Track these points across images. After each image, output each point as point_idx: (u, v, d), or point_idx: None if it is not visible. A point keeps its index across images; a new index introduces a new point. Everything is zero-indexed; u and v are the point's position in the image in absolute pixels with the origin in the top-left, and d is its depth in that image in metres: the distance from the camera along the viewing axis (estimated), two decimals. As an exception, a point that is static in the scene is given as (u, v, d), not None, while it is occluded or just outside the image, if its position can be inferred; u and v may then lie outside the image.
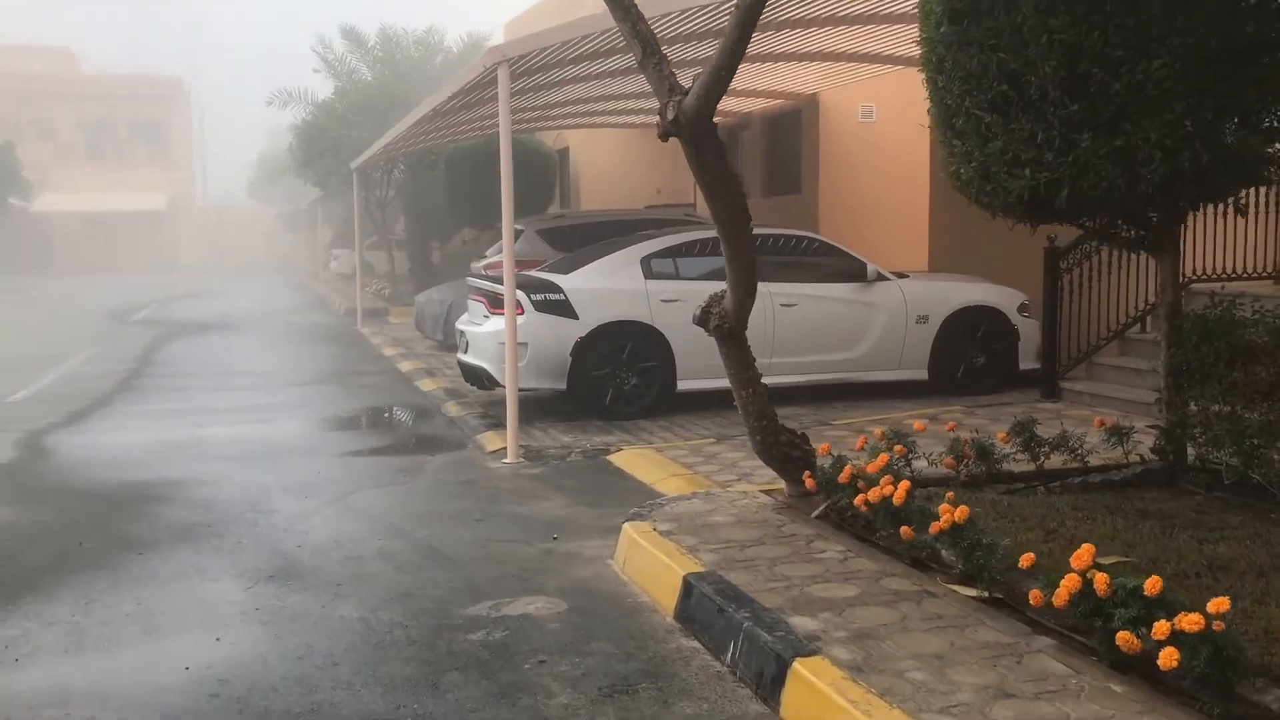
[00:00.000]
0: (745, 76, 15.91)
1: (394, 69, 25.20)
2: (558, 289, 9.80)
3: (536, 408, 10.36)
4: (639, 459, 8.06)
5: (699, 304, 6.15)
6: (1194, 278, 9.47)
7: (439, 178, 24.63)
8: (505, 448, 8.77)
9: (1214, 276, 9.42)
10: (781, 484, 6.58)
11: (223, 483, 7.96)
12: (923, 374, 10.59)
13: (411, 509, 7.08)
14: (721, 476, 7.31)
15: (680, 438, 8.93)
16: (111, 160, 56.05)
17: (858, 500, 5.26)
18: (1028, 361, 10.82)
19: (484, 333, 9.99)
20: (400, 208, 27.04)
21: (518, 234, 13.35)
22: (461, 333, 10.60)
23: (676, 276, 10.18)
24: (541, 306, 9.71)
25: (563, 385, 9.78)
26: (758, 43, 12.52)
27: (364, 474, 8.23)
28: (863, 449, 6.35)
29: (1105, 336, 9.44)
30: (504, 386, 9.75)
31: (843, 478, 5.47)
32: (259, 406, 11.70)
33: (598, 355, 9.77)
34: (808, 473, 5.94)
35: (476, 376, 10.34)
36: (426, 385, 12.71)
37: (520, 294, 9.74)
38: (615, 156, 24.77)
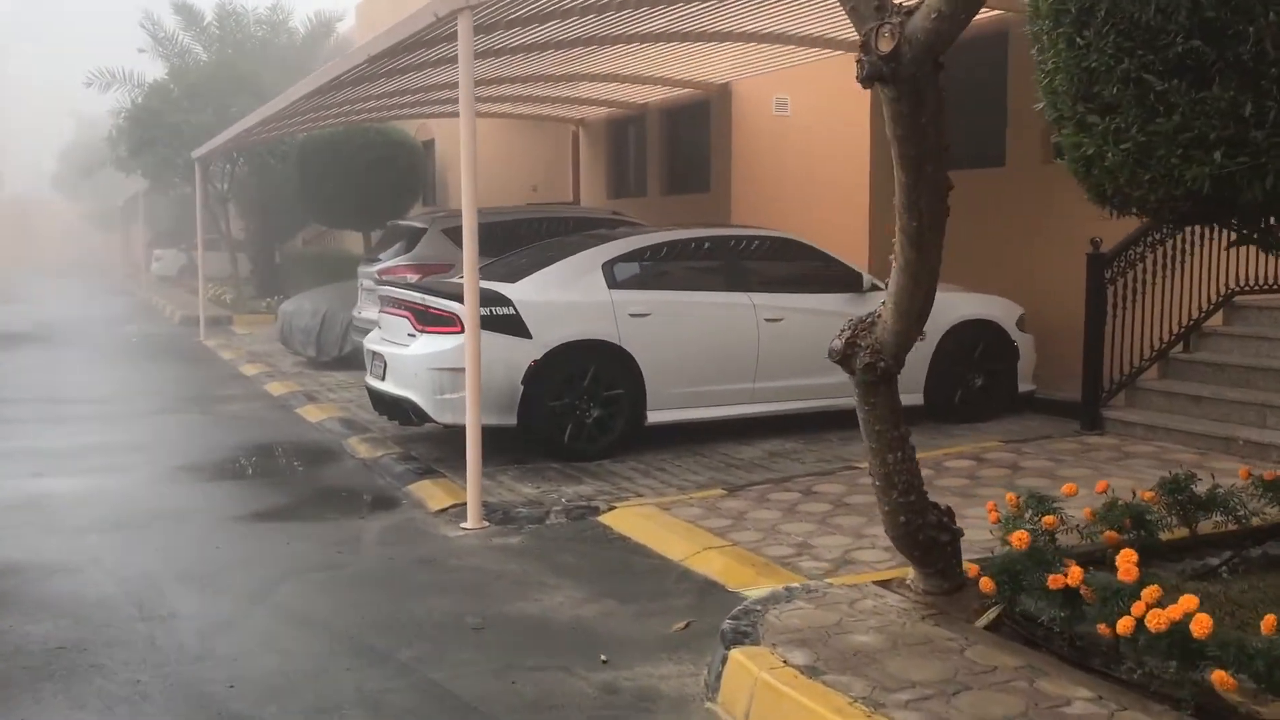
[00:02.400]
0: (645, 61, 14.28)
1: (237, 49, 22.53)
2: (505, 301, 7.94)
3: (464, 445, 8.44)
4: (643, 521, 6.31)
5: (840, 334, 4.42)
6: (1238, 289, 8.32)
7: (286, 172, 22.13)
8: (455, 505, 6.88)
9: (1264, 287, 8.28)
10: (881, 562, 4.97)
11: (88, 569, 5.82)
12: (918, 398, 9.14)
13: (374, 611, 5.13)
14: (776, 550, 5.62)
15: (673, 487, 7.21)
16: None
17: (1103, 629, 3.65)
18: (1025, 383, 9.55)
19: (411, 355, 8.02)
20: (241, 205, 24.34)
21: (419, 233, 11.38)
22: (375, 354, 8.59)
23: (645, 285, 8.44)
24: (486, 323, 7.82)
25: (512, 420, 7.92)
26: (661, 18, 10.92)
27: (283, 551, 6.21)
28: (997, 522, 4.76)
29: (1147, 358, 8.17)
30: (437, 423, 7.90)
31: (1053, 583, 3.86)
32: (108, 447, 9.38)
33: (555, 382, 7.96)
34: (973, 567, 4.31)
35: (398, 409, 8.36)
36: (312, 414, 10.59)
37: (455, 307, 7.86)
38: (488, 150, 22.70)
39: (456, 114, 18.75)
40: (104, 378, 13.89)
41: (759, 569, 5.33)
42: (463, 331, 7.74)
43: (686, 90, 16.71)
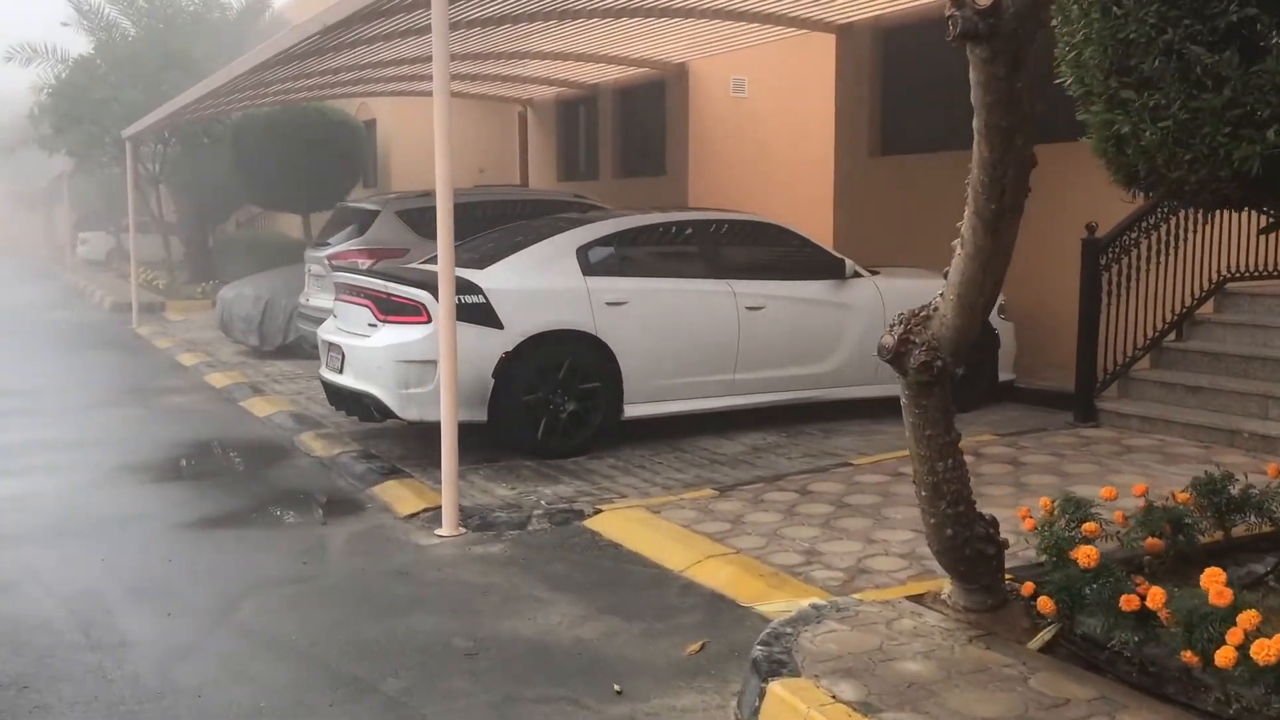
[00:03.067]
0: (598, 39, 13.79)
1: (167, 23, 21.55)
2: (475, 288, 7.45)
3: (428, 442, 7.95)
4: (634, 526, 5.88)
5: (889, 330, 4.00)
6: (1230, 275, 8.09)
7: (220, 152, 21.27)
8: (427, 510, 6.40)
9: (1255, 273, 8.06)
10: (898, 571, 4.60)
11: (25, 585, 5.26)
12: (894, 389, 8.80)
13: (351, 633, 4.64)
14: (783, 558, 5.23)
15: (657, 486, 6.80)
16: None
17: (1189, 658, 3.29)
18: (1006, 372, 9.28)
19: (372, 347, 7.50)
20: (172, 186, 23.38)
21: (371, 215, 10.81)
22: (331, 346, 8.04)
23: (622, 272, 8.00)
24: (455, 312, 7.32)
25: (483, 416, 7.44)
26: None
27: (242, 562, 5.68)
28: (1033, 529, 4.41)
29: (1140, 346, 7.91)
30: (401, 419, 7.41)
31: (1127, 605, 3.50)
32: (41, 444, 8.73)
33: (528, 375, 7.49)
34: (1028, 585, 3.94)
35: (358, 404, 7.83)
36: (259, 408, 10.00)
37: (421, 295, 7.37)
38: (430, 131, 22.04)
39: (404, 92, 18.26)
40: (33, 369, 13.12)
41: (769, 580, 4.94)
42: (429, 321, 7.29)
43: (642, 70, 16.24)
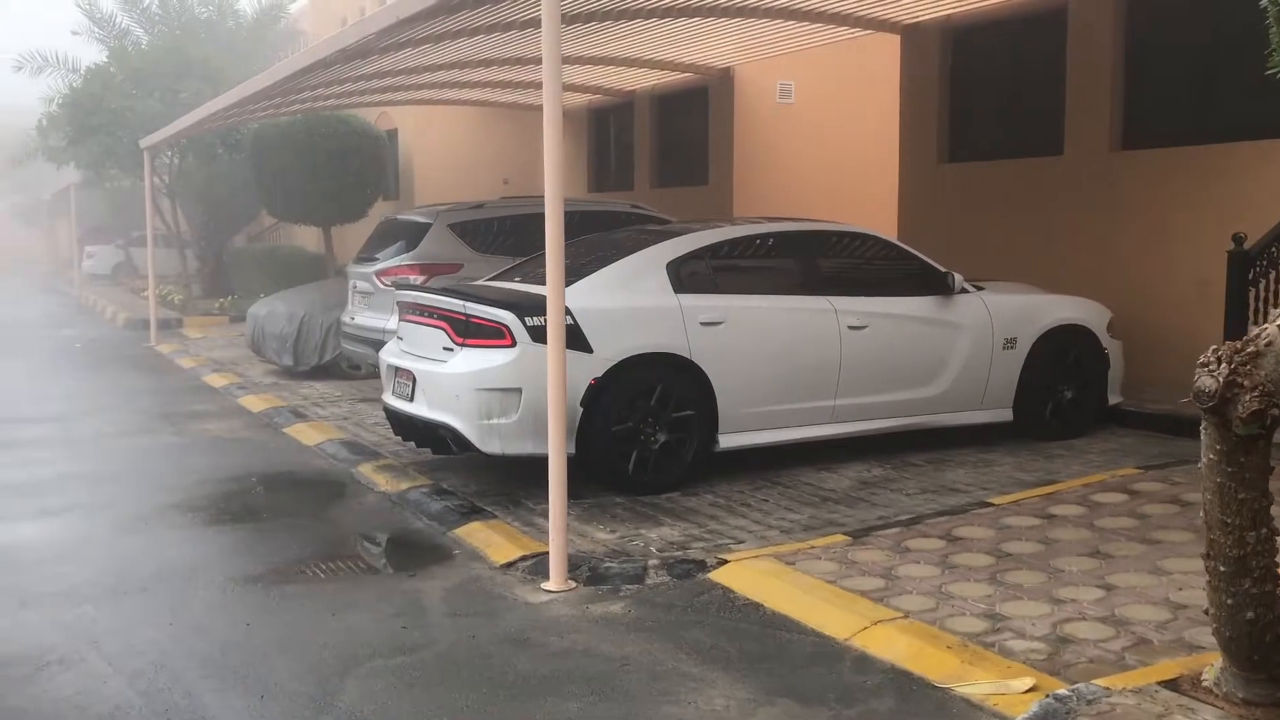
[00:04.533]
0: (639, 43, 13.12)
1: (185, 30, 20.88)
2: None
3: (505, 474, 7.28)
4: (771, 582, 5.17)
5: (1204, 368, 3.26)
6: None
7: (236, 163, 20.61)
8: (526, 558, 5.71)
9: None
10: (1107, 640, 3.90)
11: (88, 658, 4.55)
12: (1006, 414, 8.15)
13: (481, 724, 3.94)
14: (962, 624, 4.52)
15: (773, 529, 6.10)
16: None
17: None
18: (1114, 394, 8.60)
19: (451, 374, 6.80)
20: (185, 198, 22.68)
21: (422, 229, 10.12)
22: (400, 370, 7.34)
23: (716, 289, 7.31)
24: (540, 334, 6.61)
25: (570, 448, 6.70)
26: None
27: (330, 626, 4.96)
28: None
29: None
30: (482, 451, 6.72)
31: None
32: (75, 479, 8.03)
33: (618, 403, 6.80)
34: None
35: (431, 436, 7.14)
36: (307, 435, 9.30)
37: (504, 316, 6.69)
38: (454, 140, 21.43)
39: (433, 101, 17.50)
40: (53, 391, 12.42)
41: (959, 653, 4.24)
42: (513, 344, 6.63)
43: (682, 76, 15.59)
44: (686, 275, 7.21)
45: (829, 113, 15.68)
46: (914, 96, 12.27)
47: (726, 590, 5.17)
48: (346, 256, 21.71)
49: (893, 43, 12.63)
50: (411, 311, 7.46)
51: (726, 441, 7.16)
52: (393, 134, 21.57)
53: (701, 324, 7.04)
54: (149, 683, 4.30)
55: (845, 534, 5.87)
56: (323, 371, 12.32)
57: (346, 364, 12.28)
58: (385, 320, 9.83)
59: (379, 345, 9.84)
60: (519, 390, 6.61)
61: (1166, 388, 8.65)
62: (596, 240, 8.23)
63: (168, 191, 21.20)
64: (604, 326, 6.79)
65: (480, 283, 7.71)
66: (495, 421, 6.63)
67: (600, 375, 6.74)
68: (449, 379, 6.79)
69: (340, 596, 5.38)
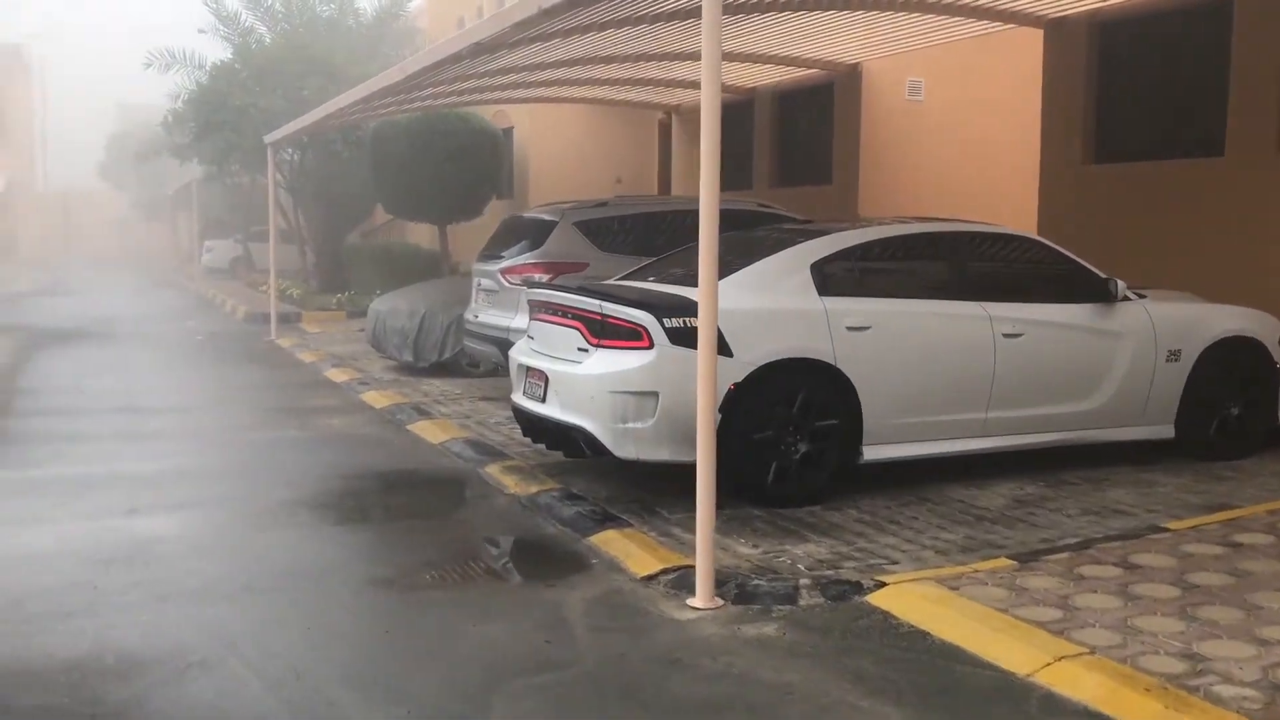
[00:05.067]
0: (764, 38, 12.74)
1: (308, 27, 21.16)
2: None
3: (636, 480, 7.01)
4: (937, 608, 4.81)
5: None
6: None
7: (353, 160, 20.80)
8: (668, 571, 5.44)
9: None
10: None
11: (227, 661, 4.40)
12: (1168, 431, 7.63)
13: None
14: (1157, 662, 4.12)
15: (926, 548, 5.73)
16: (-60, 136, 49.73)
17: None
18: (1282, 412, 8.01)
19: (585, 375, 6.57)
20: (302, 194, 22.99)
21: (548, 227, 9.93)
22: (532, 371, 7.13)
23: (863, 292, 6.95)
24: (678, 336, 6.37)
25: (708, 456, 6.45)
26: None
27: (470, 635, 4.75)
28: None
29: None
30: (616, 456, 6.47)
31: None
32: (203, 472, 8.01)
33: (758, 410, 6.48)
34: None
35: (563, 438, 6.91)
36: (431, 433, 9.17)
37: (642, 316, 6.42)
38: (568, 139, 21.33)
39: (550, 99, 17.38)
40: (178, 383, 12.57)
41: (1161, 697, 3.84)
42: (650, 346, 6.36)
43: (806, 72, 15.19)
44: (831, 277, 6.87)
45: (959, 111, 15.13)
46: (1057, 94, 11.70)
47: (887, 615, 4.82)
48: (461, 255, 21.82)
49: (1023, 38, 12.09)
50: (544, 310, 7.25)
51: (871, 454, 6.80)
52: (508, 132, 21.57)
53: (848, 329, 6.69)
54: (291, 691, 4.14)
55: (1009, 557, 5.48)
56: (442, 369, 12.25)
57: (466, 361, 12.19)
58: (510, 318, 9.67)
59: (503, 343, 9.71)
60: (655, 394, 6.35)
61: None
62: (732, 239, 7.88)
63: (287, 188, 21.50)
64: (745, 329, 6.48)
65: (614, 282, 7.47)
66: (630, 426, 6.37)
67: (740, 380, 6.43)
68: (583, 380, 6.56)
69: (478, 605, 5.17)
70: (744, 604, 5.04)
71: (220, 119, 19.09)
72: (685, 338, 6.36)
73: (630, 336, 6.44)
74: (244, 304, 22.23)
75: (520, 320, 9.55)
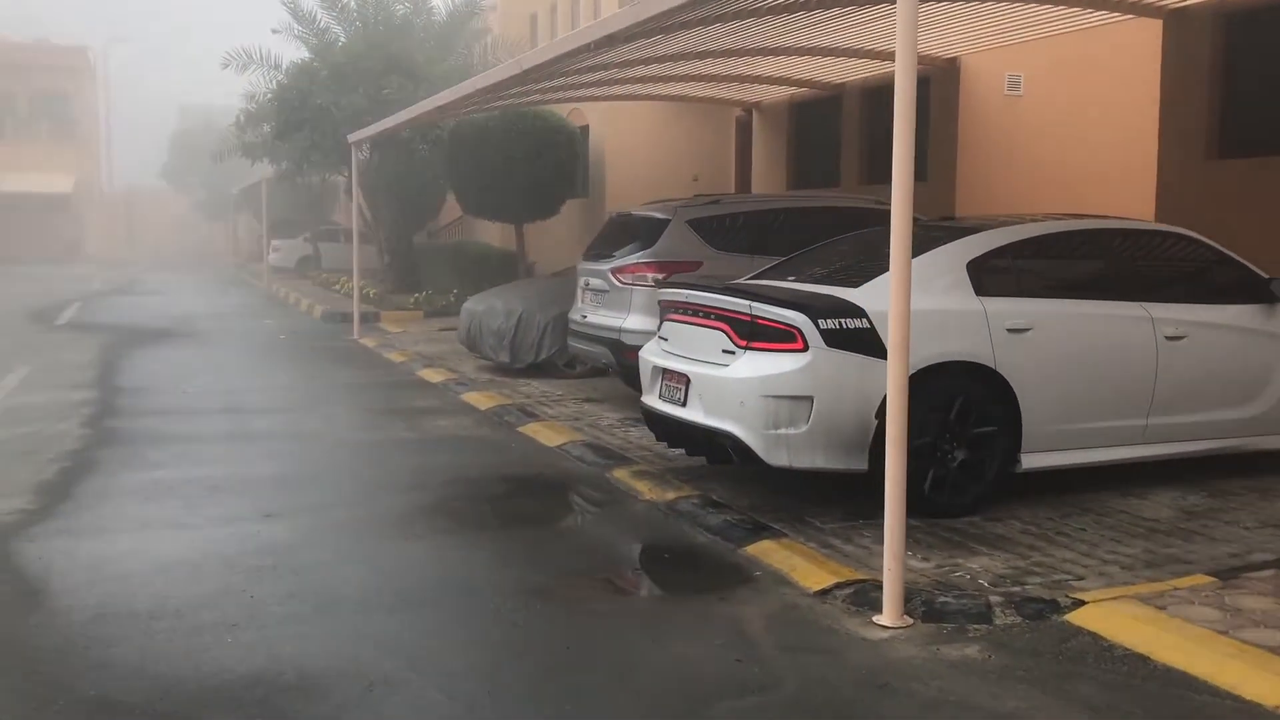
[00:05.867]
0: (857, 32, 12.37)
1: (387, 26, 21.10)
2: (856, 310, 6.21)
3: (778, 487, 6.75)
4: (1148, 628, 4.52)
5: None
6: None
7: (429, 159, 20.70)
8: (842, 585, 5.18)
9: None
10: None
11: (412, 682, 4.19)
12: (1288, 440, 7.26)
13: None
14: None
15: (1110, 563, 5.43)
16: (10, 138, 50.34)
17: None
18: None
19: (735, 379, 6.31)
20: (374, 193, 22.94)
21: (660, 225, 9.69)
22: (670, 373, 6.89)
23: (1021, 292, 6.64)
24: (834, 339, 6.11)
25: (863, 464, 6.19)
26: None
27: (656, 653, 4.51)
28: None
29: None
30: (767, 463, 6.21)
31: None
32: (323, 475, 7.87)
33: (916, 416, 6.14)
34: None
35: (707, 443, 6.67)
36: (545, 436, 8.97)
37: (795, 317, 6.16)
38: (644, 137, 21.08)
39: (631, 97, 17.09)
40: (274, 382, 12.48)
41: None
42: (805, 349, 6.10)
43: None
44: (988, 276, 6.56)
45: (1061, 106, 14.72)
46: (1178, 88, 11.28)
47: (1096, 637, 4.53)
48: (537, 254, 21.68)
49: (1124, 31, 11.68)
50: (681, 311, 7.01)
51: (1029, 461, 6.49)
52: (584, 130, 21.38)
53: (1007, 330, 6.39)
54: (488, 713, 3.92)
55: (1206, 574, 5.16)
56: (538, 370, 12.06)
57: (563, 362, 12.01)
58: (622, 318, 9.46)
59: (615, 345, 9.51)
60: (810, 398, 6.09)
61: None
62: (872, 237, 7.65)
63: (360, 186, 21.45)
64: (903, 331, 6.19)
65: (753, 281, 7.21)
66: (783, 432, 6.12)
67: (898, 385, 6.15)
68: (732, 384, 6.30)
69: (650, 618, 4.95)
70: (934, 622, 4.77)
71: (302, 117, 19.06)
72: (841, 339, 6.12)
73: (783, 339, 6.19)
74: (319, 303, 22.22)
75: (635, 320, 9.37)
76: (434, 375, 12.56)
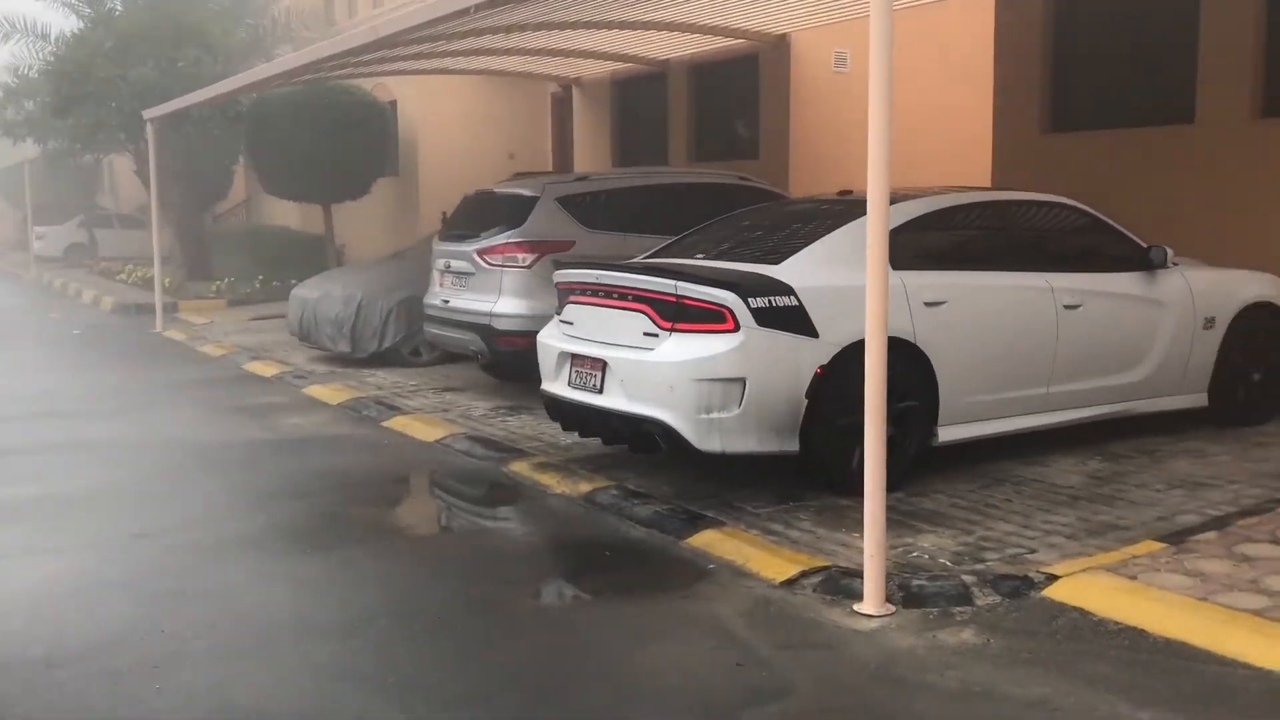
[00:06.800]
0: (688, 8, 12.27)
1: (166, -5, 19.58)
2: (784, 288, 6.03)
3: (692, 473, 6.54)
4: (1129, 599, 4.52)
5: None
6: None
7: (219, 137, 19.43)
8: (805, 573, 5.00)
9: None
10: None
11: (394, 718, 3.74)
12: (1202, 399, 7.61)
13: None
14: None
15: (1054, 533, 5.48)
16: None
17: None
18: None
19: (663, 363, 6.01)
20: (163, 173, 21.32)
21: (529, 203, 9.26)
22: (581, 359, 6.53)
23: (935, 265, 6.62)
24: (765, 318, 5.92)
25: (794, 446, 6.04)
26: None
27: (651, 663, 4.20)
28: None
29: None
30: (698, 450, 5.97)
31: None
32: (186, 487, 7.11)
33: (843, 394, 6.07)
34: None
35: (628, 432, 6.36)
36: (419, 430, 8.43)
37: (726, 297, 5.94)
38: (455, 113, 20.41)
39: (447, 70, 16.31)
40: (88, 382, 11.33)
41: None
42: (736, 329, 5.88)
43: (725, 43, 14.79)
44: (902, 249, 6.44)
45: (897, 82, 15.01)
46: (1011, 61, 11.64)
47: (1083, 612, 4.50)
48: (346, 237, 20.67)
49: (959, 8, 12.02)
50: (590, 293, 6.65)
51: (945, 435, 6.49)
52: (392, 106, 20.51)
53: (925, 304, 6.35)
54: (497, 749, 3.52)
55: (1154, 540, 5.24)
56: (381, 359, 11.42)
57: (408, 350, 11.42)
58: (492, 302, 9.00)
59: (485, 330, 9.06)
60: (742, 380, 5.88)
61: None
62: (774, 212, 7.52)
63: (148, 166, 19.92)
64: (829, 308, 6.07)
65: (668, 261, 6.89)
66: (715, 416, 5.89)
67: (827, 362, 6.03)
68: (659, 369, 6.01)
69: (627, 625, 4.61)
70: (917, 608, 4.64)
71: (85, 91, 17.43)
72: (772, 318, 5.93)
73: (712, 319, 5.94)
74: (105, 294, 20.53)
75: (507, 304, 8.96)
76: (265, 369, 11.71)
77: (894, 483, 6.21)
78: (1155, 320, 7.27)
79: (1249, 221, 9.57)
